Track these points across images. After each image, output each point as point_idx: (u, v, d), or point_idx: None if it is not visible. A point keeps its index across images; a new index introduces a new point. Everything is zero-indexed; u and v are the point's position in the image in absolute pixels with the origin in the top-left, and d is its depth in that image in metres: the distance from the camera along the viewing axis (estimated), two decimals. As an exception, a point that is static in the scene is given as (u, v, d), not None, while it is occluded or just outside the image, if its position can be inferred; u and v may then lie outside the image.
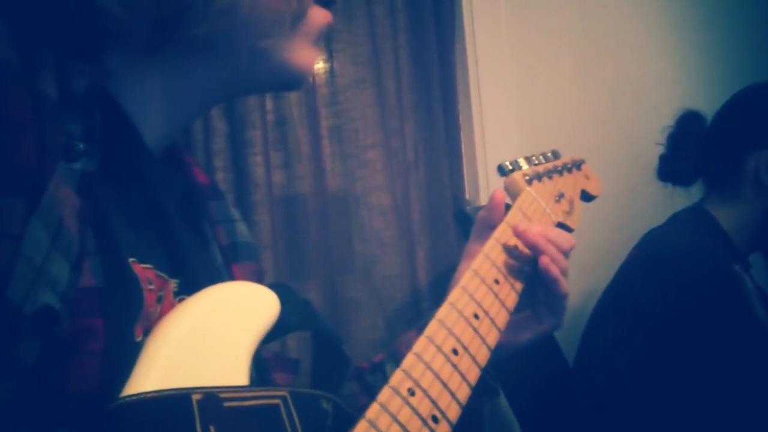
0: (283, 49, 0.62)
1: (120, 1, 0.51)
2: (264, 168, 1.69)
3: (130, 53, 0.56)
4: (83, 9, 0.51)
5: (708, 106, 1.55)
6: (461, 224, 1.69)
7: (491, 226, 0.83)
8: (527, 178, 0.91)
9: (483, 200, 1.94)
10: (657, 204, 1.59)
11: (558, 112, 2.06)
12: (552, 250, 0.79)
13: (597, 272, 1.59)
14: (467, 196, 1.96)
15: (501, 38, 2.00)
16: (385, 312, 1.84)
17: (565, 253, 0.81)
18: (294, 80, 0.66)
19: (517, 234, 0.80)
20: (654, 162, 1.58)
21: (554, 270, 0.79)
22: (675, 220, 1.54)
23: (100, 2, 0.51)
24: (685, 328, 1.31)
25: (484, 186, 1.93)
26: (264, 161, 1.70)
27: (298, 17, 0.62)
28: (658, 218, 1.57)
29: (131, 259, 0.53)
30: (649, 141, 1.60)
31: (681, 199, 1.57)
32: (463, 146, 1.94)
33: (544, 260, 0.78)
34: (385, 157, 1.86)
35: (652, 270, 1.40)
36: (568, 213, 0.95)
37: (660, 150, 1.58)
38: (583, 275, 1.77)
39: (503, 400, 1.66)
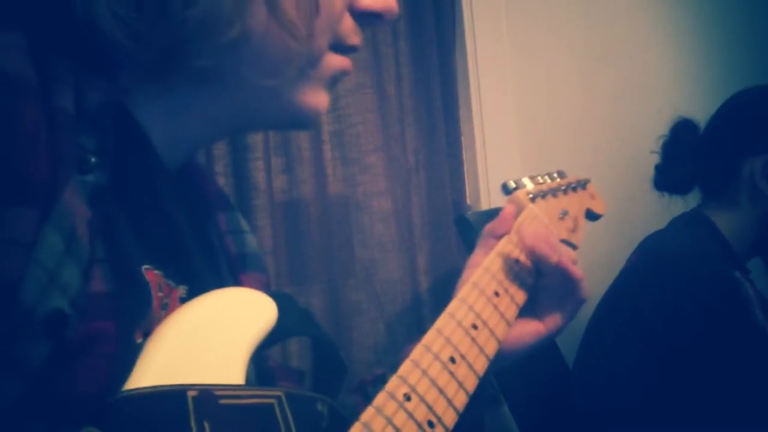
0: (293, 90, 0.62)
1: (124, 30, 0.52)
2: (265, 173, 1.70)
3: (140, 75, 0.57)
4: (92, 35, 0.52)
5: (709, 112, 1.55)
6: (462, 229, 1.69)
7: (497, 238, 0.84)
8: (531, 196, 0.91)
9: (483, 205, 1.95)
10: (656, 210, 1.60)
11: (558, 117, 2.07)
12: (555, 253, 0.79)
13: (596, 277, 1.60)
14: (468, 201, 1.97)
15: (502, 44, 2.01)
16: (386, 316, 1.85)
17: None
18: (303, 121, 0.66)
19: (520, 235, 0.81)
20: (651, 168, 1.59)
21: (574, 269, 0.79)
22: (674, 225, 1.54)
23: (106, 31, 0.51)
24: (685, 334, 1.31)
25: (485, 191, 1.94)
26: (265, 166, 1.70)
27: (311, 63, 0.62)
28: (658, 224, 1.57)
29: (145, 266, 0.54)
30: (649, 147, 1.60)
31: (678, 206, 1.57)
32: (463, 151, 1.96)
33: (555, 260, 0.78)
34: (386, 162, 1.87)
35: (653, 275, 1.40)
36: (572, 231, 0.96)
37: (655, 157, 1.58)
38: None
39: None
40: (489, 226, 0.87)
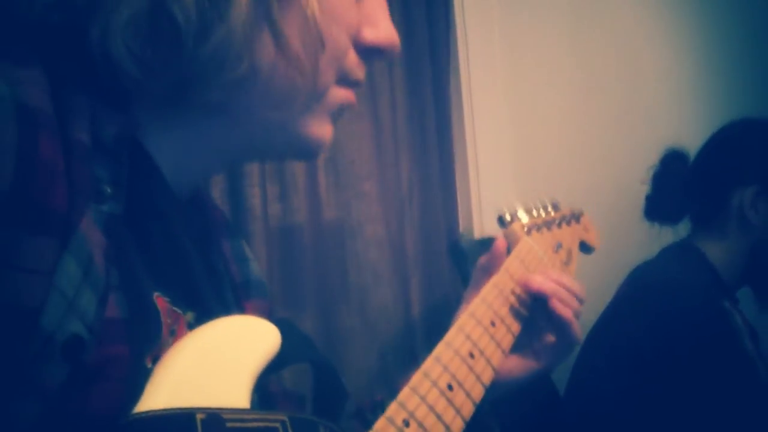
0: (299, 121, 0.64)
1: (138, 66, 0.53)
2: (260, 200, 1.72)
3: (152, 107, 0.59)
4: (108, 70, 0.54)
5: (701, 142, 1.56)
6: (454, 256, 1.71)
7: (491, 273, 0.86)
8: (526, 228, 0.94)
9: (476, 232, 1.96)
10: (646, 239, 1.61)
11: (551, 146, 2.09)
12: (562, 292, 0.82)
13: (587, 305, 1.60)
14: (461, 229, 1.99)
15: (495, 73, 2.04)
16: (379, 342, 1.85)
17: (578, 298, 0.84)
18: (309, 152, 0.67)
19: (523, 286, 0.84)
20: (642, 197, 1.61)
21: (566, 312, 0.82)
22: (664, 254, 1.55)
23: (121, 66, 0.53)
24: (675, 363, 1.31)
25: (477, 218, 1.96)
26: (261, 193, 1.72)
27: (316, 96, 0.63)
28: (648, 253, 1.58)
29: (156, 293, 0.56)
30: (641, 177, 1.62)
31: (669, 235, 1.58)
32: (456, 179, 1.97)
33: (553, 303, 0.82)
34: (380, 189, 1.89)
35: (643, 304, 1.41)
36: (566, 263, 0.98)
37: (645, 188, 1.60)
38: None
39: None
40: (482, 262, 0.89)
